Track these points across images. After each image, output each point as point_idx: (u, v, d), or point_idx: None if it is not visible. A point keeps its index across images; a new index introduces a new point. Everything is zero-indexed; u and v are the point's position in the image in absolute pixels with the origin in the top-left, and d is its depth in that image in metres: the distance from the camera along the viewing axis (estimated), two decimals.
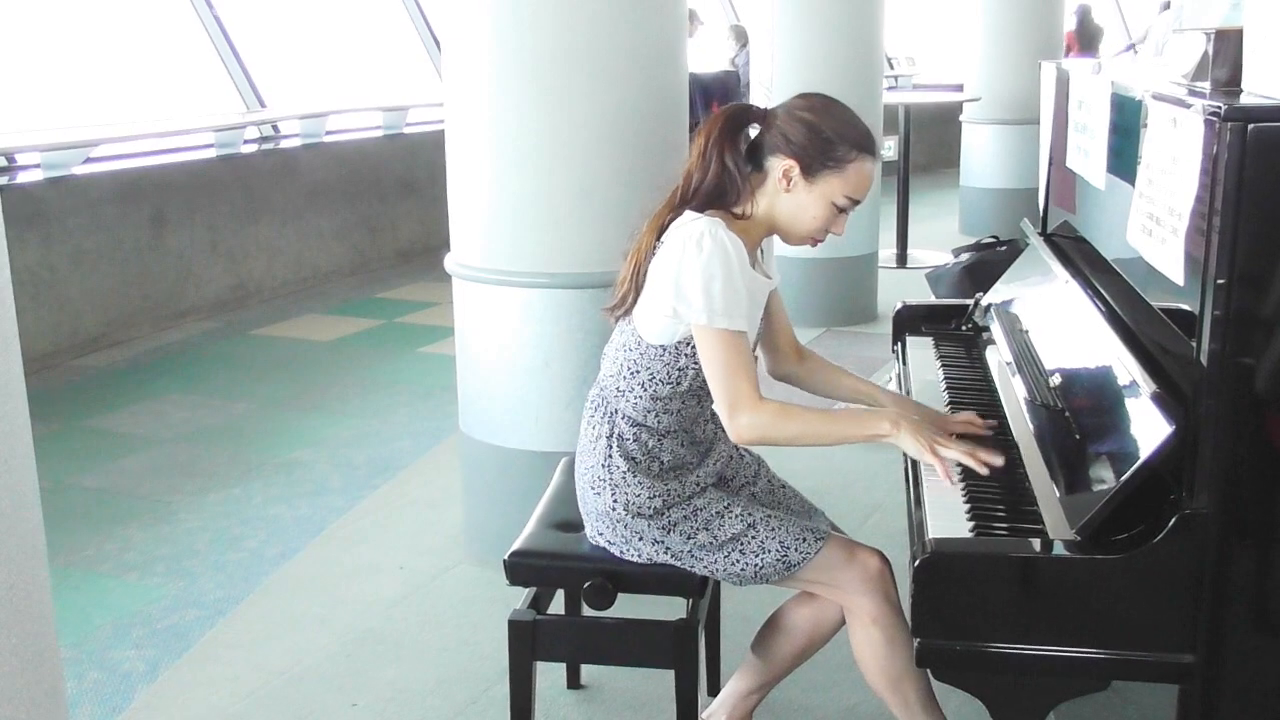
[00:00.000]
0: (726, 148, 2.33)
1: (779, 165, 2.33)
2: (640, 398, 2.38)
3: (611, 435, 2.41)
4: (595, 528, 2.48)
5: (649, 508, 2.38)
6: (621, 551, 2.44)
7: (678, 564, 2.41)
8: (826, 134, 2.30)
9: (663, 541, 2.40)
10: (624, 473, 2.38)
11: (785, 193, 2.34)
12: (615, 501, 2.39)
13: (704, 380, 2.33)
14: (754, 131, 2.38)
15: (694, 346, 2.30)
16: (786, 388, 2.72)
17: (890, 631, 2.36)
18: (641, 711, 2.97)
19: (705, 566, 2.40)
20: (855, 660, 2.43)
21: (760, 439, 2.28)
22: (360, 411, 5.37)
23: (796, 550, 2.36)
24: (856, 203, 2.38)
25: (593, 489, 2.44)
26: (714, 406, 2.33)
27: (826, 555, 2.37)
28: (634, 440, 2.40)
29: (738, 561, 2.37)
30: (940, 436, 2.25)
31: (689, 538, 2.39)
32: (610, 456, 2.40)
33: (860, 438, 2.35)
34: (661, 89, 3.47)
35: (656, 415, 2.39)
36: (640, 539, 2.41)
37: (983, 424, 2.41)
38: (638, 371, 2.37)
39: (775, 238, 2.46)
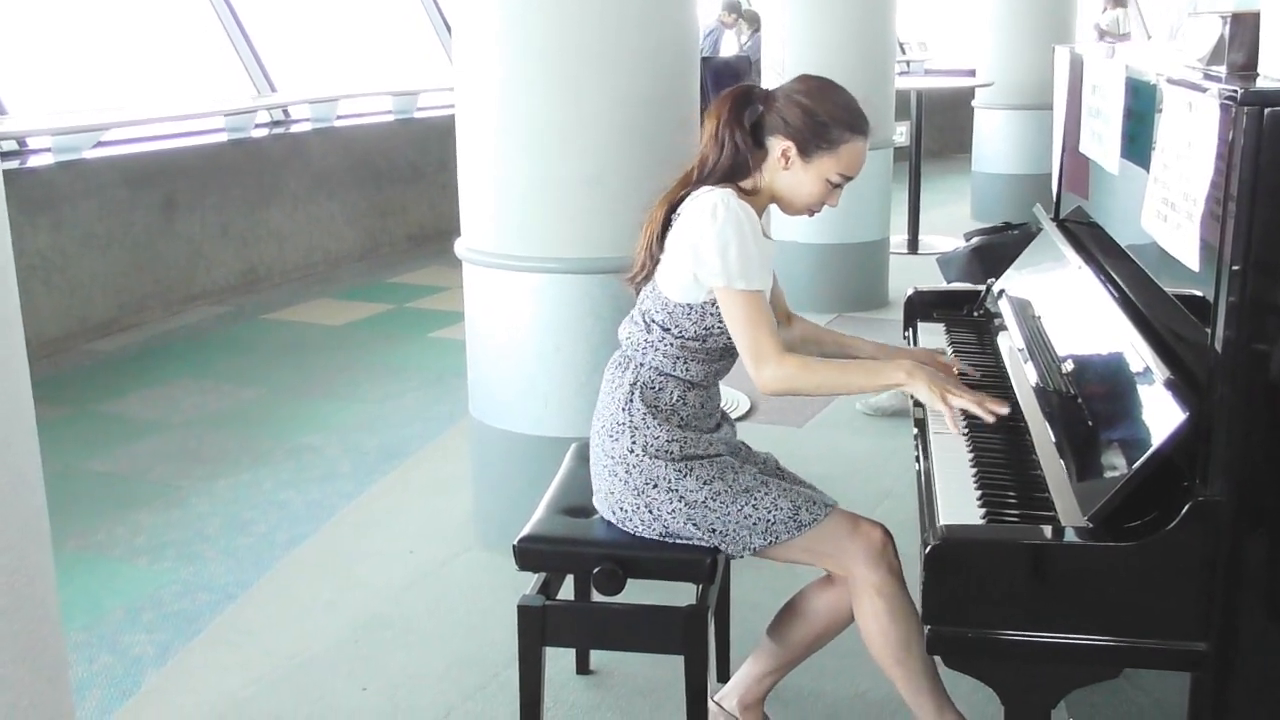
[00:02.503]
0: (735, 128, 2.47)
1: (778, 146, 2.46)
2: (671, 345, 2.46)
3: (635, 383, 2.48)
4: (607, 485, 2.50)
5: (667, 451, 2.44)
6: (633, 508, 2.45)
7: (688, 518, 2.42)
8: (821, 118, 2.43)
9: (677, 490, 2.42)
10: (644, 415, 2.45)
11: (784, 170, 2.47)
12: (634, 443, 2.45)
13: (727, 338, 2.45)
14: (757, 111, 2.49)
15: (718, 305, 2.42)
16: None
17: (894, 603, 2.40)
18: (651, 697, 2.97)
19: (718, 518, 2.41)
20: (860, 634, 2.45)
21: (786, 389, 2.39)
22: (370, 396, 5.37)
23: (807, 511, 2.42)
24: (850, 178, 2.50)
25: (610, 435, 2.48)
26: (742, 362, 2.43)
27: (833, 524, 2.43)
28: (658, 389, 2.48)
29: (750, 515, 2.41)
30: (951, 386, 2.37)
31: (705, 484, 2.43)
32: (631, 400, 2.47)
33: (877, 386, 2.55)
34: (672, 74, 3.45)
35: (685, 364, 2.48)
36: (654, 487, 2.43)
37: (955, 362, 2.64)
38: (669, 329, 2.46)
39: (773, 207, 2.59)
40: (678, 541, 2.46)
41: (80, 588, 3.57)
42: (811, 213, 2.55)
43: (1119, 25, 12.10)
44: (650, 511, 2.44)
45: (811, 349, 2.74)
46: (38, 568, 1.33)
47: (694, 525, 2.43)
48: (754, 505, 2.42)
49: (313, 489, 4.32)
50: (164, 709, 3.00)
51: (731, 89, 2.53)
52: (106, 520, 4.05)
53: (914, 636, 2.38)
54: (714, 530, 2.43)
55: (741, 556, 2.47)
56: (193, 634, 3.33)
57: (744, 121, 2.47)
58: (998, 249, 4.66)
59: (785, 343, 2.61)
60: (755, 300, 2.38)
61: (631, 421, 2.45)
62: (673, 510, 2.43)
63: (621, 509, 2.48)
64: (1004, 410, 2.32)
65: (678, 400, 2.48)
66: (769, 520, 2.41)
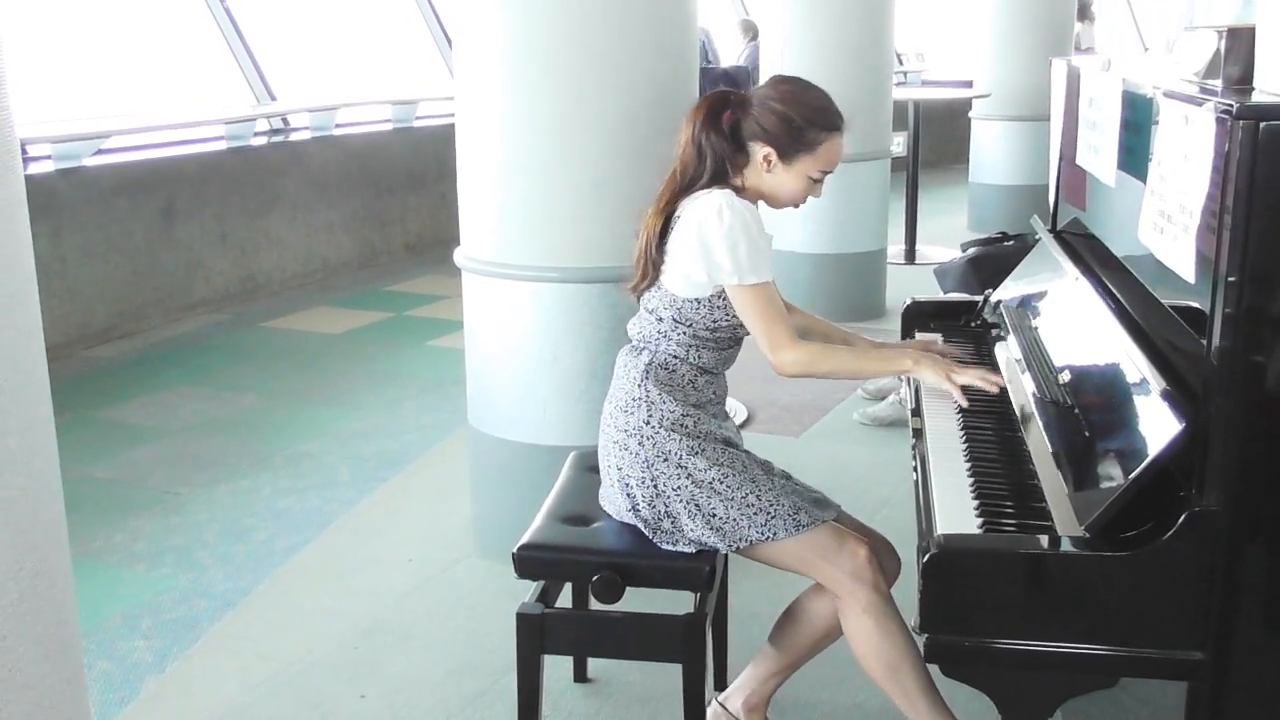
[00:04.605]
0: (711, 134, 2.54)
1: (759, 151, 2.53)
2: (684, 336, 2.54)
3: (650, 364, 2.54)
4: (616, 460, 2.53)
5: (681, 425, 2.50)
6: (638, 481, 2.47)
7: (691, 498, 2.45)
8: (797, 123, 2.51)
9: (686, 466, 2.47)
10: (659, 392, 2.52)
11: (767, 173, 2.55)
12: (650, 415, 2.50)
13: (735, 329, 2.54)
14: (734, 117, 2.56)
15: (725, 299, 2.50)
16: None
17: (882, 621, 2.42)
18: (649, 705, 2.98)
19: (720, 501, 2.44)
20: (852, 652, 2.47)
21: (804, 371, 2.51)
22: (369, 404, 5.38)
23: (806, 514, 2.46)
24: (830, 172, 2.59)
25: (625, 410, 2.53)
26: (760, 349, 2.51)
27: (823, 536, 2.46)
28: (671, 370, 2.54)
29: (753, 504, 2.45)
30: (954, 367, 2.55)
31: (715, 464, 2.47)
32: (647, 378, 2.53)
33: (887, 371, 2.77)
34: (672, 84, 3.47)
35: (698, 351, 2.55)
36: (664, 460, 2.47)
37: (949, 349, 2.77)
38: (679, 323, 2.53)
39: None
40: (668, 547, 2.48)
41: (79, 594, 3.53)
42: (797, 205, 2.63)
43: (1079, 41, 12.17)
44: (655, 486, 2.47)
45: (812, 339, 2.81)
46: (58, 572, 1.34)
47: (695, 507, 2.45)
48: (757, 495, 2.46)
49: (312, 496, 4.33)
50: (163, 716, 3.01)
51: (706, 96, 2.61)
52: (105, 526, 4.06)
53: (904, 651, 2.41)
54: (713, 516, 2.45)
55: (736, 550, 2.48)
56: (191, 641, 3.34)
57: (721, 127, 2.54)
58: (994, 260, 4.68)
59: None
60: (768, 292, 2.47)
61: (648, 397, 2.51)
62: (678, 487, 2.46)
63: (626, 484, 2.51)
64: (1003, 382, 2.50)
65: (689, 383, 2.54)
66: (769, 513, 2.44)
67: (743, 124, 2.53)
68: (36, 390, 1.32)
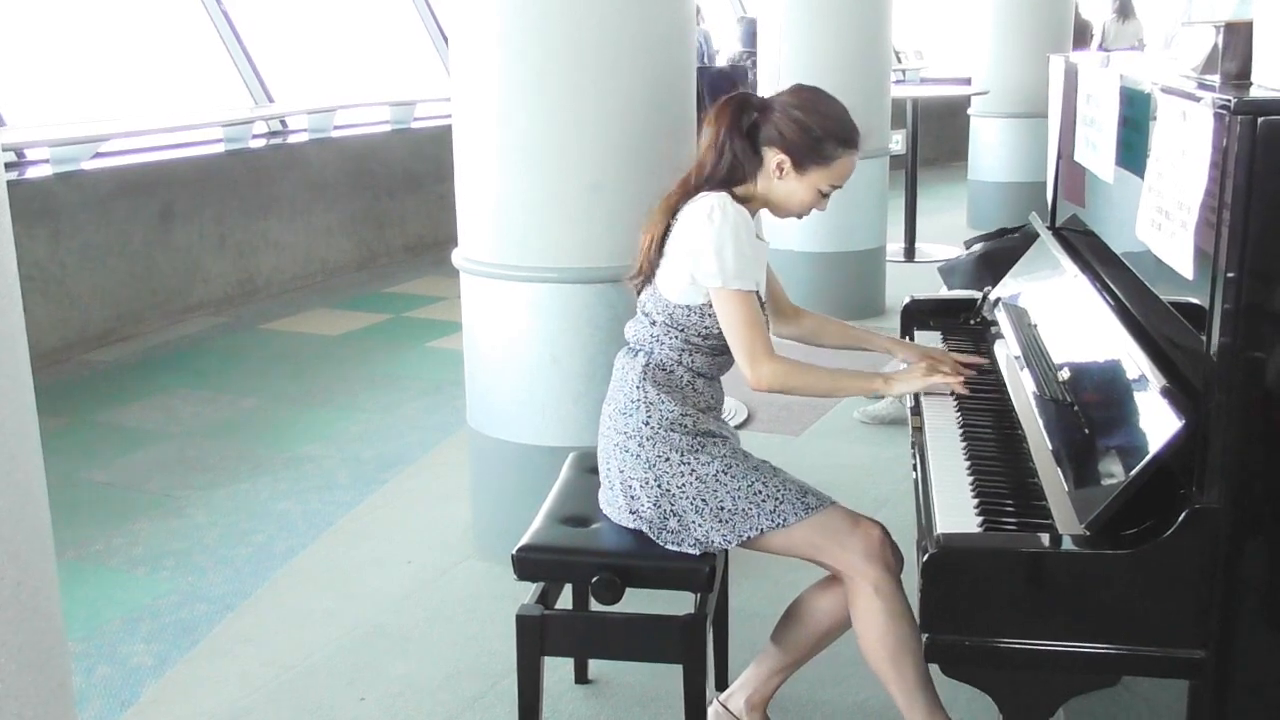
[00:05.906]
0: (735, 135, 2.54)
1: (773, 157, 2.54)
2: (677, 339, 2.54)
3: (648, 366, 2.54)
4: (618, 463, 2.52)
5: (681, 425, 2.50)
6: (641, 483, 2.47)
7: (698, 493, 2.44)
8: (816, 133, 2.52)
9: (689, 463, 2.47)
10: (657, 393, 2.52)
11: (778, 180, 2.55)
12: (649, 417, 2.50)
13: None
14: (753, 119, 2.57)
15: (714, 306, 2.50)
16: (787, 345, 2.84)
17: (891, 603, 2.42)
18: (649, 707, 2.97)
19: (728, 493, 2.44)
20: (856, 634, 2.47)
21: (780, 386, 2.50)
22: (368, 406, 5.37)
23: (814, 496, 2.48)
24: (839, 187, 2.61)
25: (624, 413, 2.54)
26: (735, 360, 2.52)
27: (835, 516, 2.48)
28: (668, 373, 2.54)
29: (760, 492, 2.45)
30: (933, 371, 2.62)
31: (718, 459, 2.48)
32: (644, 379, 2.53)
33: (860, 390, 2.74)
34: (669, 84, 3.46)
35: (691, 355, 2.55)
36: (666, 460, 2.47)
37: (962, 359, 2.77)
38: (671, 327, 2.53)
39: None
40: (672, 549, 2.47)
41: (78, 598, 3.57)
42: (800, 217, 2.64)
43: (1113, 39, 12.12)
44: (659, 486, 2.47)
45: (822, 340, 2.87)
46: (43, 579, 1.34)
47: (702, 502, 2.45)
48: (764, 483, 2.46)
49: (311, 499, 4.32)
50: None
51: (731, 96, 2.60)
52: (104, 530, 4.05)
53: (909, 639, 2.40)
54: (721, 509, 2.44)
55: (746, 539, 2.46)
56: (191, 644, 3.33)
57: (743, 130, 2.54)
58: (1004, 254, 4.65)
59: (796, 335, 2.84)
60: (749, 300, 2.46)
61: (646, 398, 2.51)
62: (683, 485, 2.46)
63: (628, 487, 2.50)
64: (980, 361, 2.67)
65: (687, 385, 2.54)
66: (778, 498, 2.44)
67: (761, 128, 2.54)
68: (21, 395, 1.31)
